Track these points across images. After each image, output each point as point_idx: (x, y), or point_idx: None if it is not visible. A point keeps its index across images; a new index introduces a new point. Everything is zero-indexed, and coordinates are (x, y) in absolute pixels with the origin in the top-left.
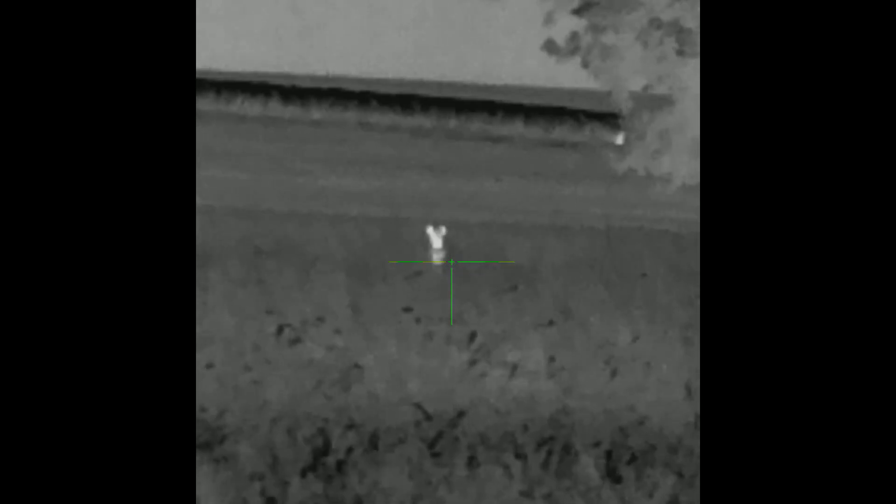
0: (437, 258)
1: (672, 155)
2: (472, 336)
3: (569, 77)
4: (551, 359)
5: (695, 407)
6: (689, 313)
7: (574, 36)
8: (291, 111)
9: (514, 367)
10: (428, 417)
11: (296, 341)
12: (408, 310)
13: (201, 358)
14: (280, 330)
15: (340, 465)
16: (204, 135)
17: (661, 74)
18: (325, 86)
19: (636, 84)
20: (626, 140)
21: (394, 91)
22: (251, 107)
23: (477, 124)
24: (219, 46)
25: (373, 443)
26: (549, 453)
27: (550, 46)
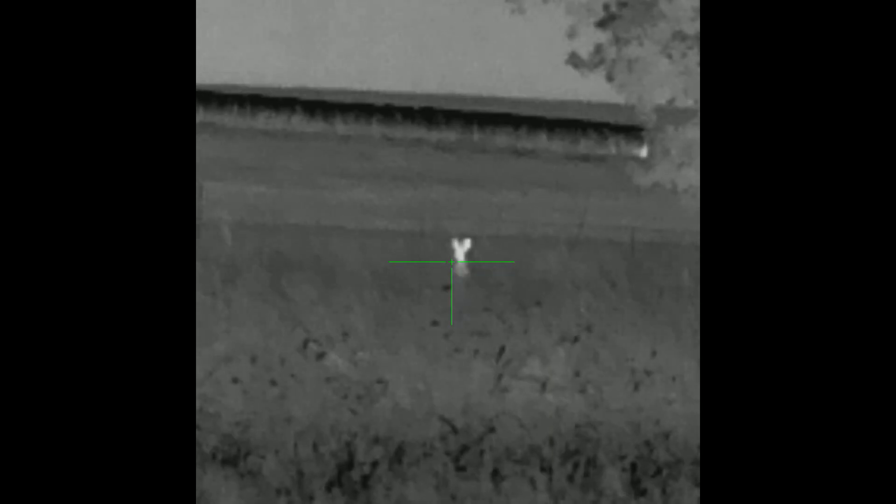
0: (461, 271)
1: (697, 168)
2: (502, 350)
3: (593, 90)
4: (576, 373)
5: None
6: None
7: (598, 49)
8: (315, 126)
9: (544, 383)
10: (454, 431)
11: (321, 355)
12: (435, 324)
13: (226, 372)
14: (305, 344)
15: (365, 480)
16: (228, 150)
17: (685, 87)
18: (346, 100)
19: (661, 97)
20: (651, 153)
21: (418, 105)
22: (275, 122)
23: (501, 138)
24: (229, 58)
25: (398, 457)
26: (575, 467)
27: (574, 59)
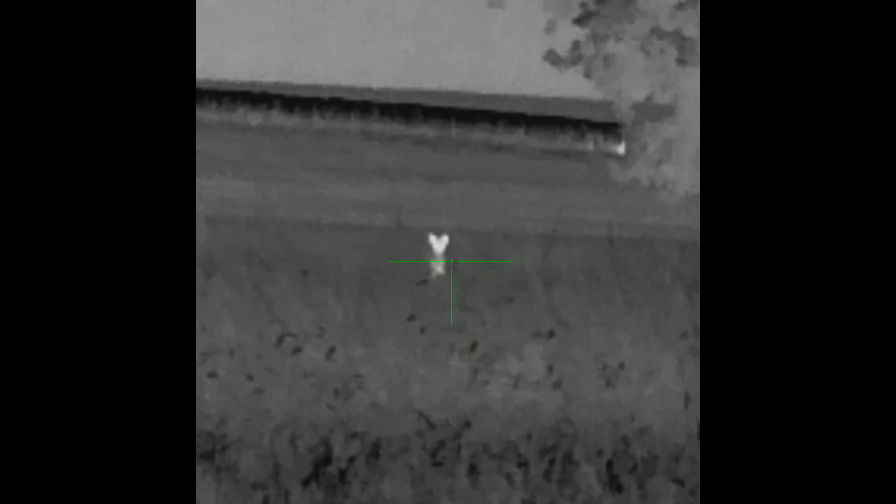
0: (439, 267)
1: (675, 164)
2: (474, 345)
3: (571, 87)
4: (553, 368)
5: (695, 416)
6: (691, 321)
7: (576, 45)
8: (294, 121)
9: (518, 378)
10: (430, 426)
11: (298, 350)
12: (412, 318)
13: (204, 367)
14: (282, 339)
15: (342, 475)
16: (207, 145)
17: (663, 84)
18: (325, 95)
19: (638, 94)
20: (629, 150)
21: (396, 101)
22: (254, 116)
23: (479, 134)
24: (218, 55)
25: (375, 452)
26: (552, 462)
27: (552, 56)
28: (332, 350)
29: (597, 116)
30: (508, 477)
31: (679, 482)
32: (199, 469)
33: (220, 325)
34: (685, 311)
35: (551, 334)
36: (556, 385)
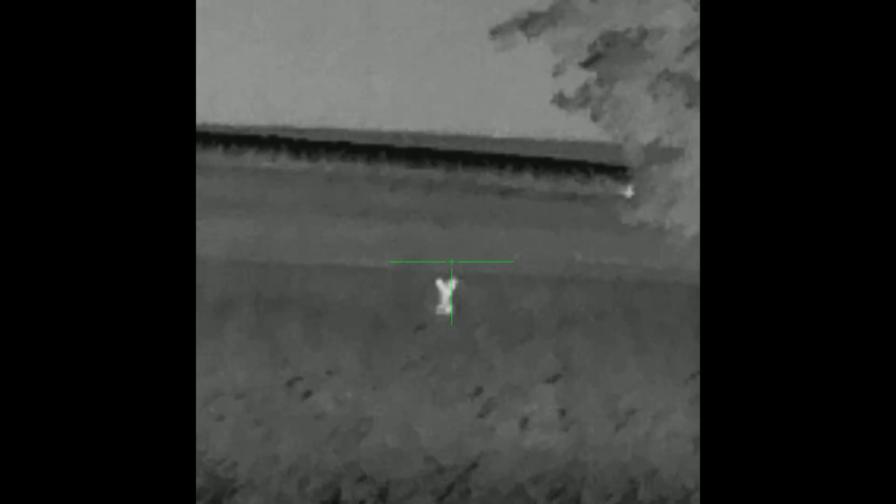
0: (447, 309)
1: (683, 207)
2: (483, 388)
3: (579, 130)
4: (561, 411)
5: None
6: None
7: (584, 88)
8: (302, 164)
9: (527, 420)
10: (439, 469)
11: (307, 394)
12: (420, 361)
13: (213, 410)
14: (291, 383)
15: None
16: (215, 188)
17: (671, 126)
18: (330, 138)
19: (647, 136)
20: (637, 192)
21: (403, 144)
22: (261, 160)
23: (487, 177)
24: (216, 99)
25: (383, 495)
26: None
27: (560, 99)
28: (341, 393)
29: (605, 159)
30: None
31: None
32: None
33: (230, 368)
34: (694, 353)
35: (560, 377)
36: (566, 428)
